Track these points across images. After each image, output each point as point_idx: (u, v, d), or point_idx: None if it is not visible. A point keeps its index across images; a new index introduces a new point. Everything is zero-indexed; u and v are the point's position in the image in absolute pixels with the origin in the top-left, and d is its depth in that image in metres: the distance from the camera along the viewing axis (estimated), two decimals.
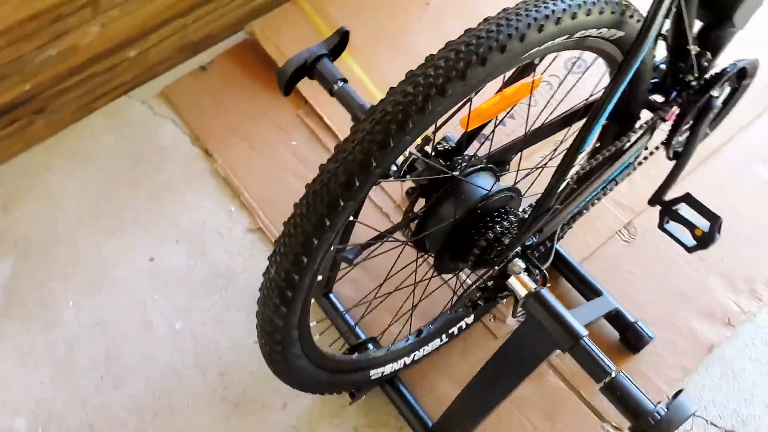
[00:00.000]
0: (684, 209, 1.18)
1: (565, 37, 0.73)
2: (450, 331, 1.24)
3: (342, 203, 0.67)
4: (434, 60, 0.67)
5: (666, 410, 0.74)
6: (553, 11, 0.70)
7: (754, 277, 1.32)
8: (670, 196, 1.19)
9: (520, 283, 0.86)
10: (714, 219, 1.14)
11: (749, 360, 1.26)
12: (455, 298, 1.20)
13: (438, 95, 0.66)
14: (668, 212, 1.19)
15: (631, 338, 1.24)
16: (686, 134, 1.14)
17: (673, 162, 1.18)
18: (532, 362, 0.87)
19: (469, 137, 0.99)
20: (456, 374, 1.25)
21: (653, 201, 1.21)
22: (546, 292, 0.84)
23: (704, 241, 1.16)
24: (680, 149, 1.17)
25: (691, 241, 1.17)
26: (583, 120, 0.84)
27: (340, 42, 1.05)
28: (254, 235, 1.43)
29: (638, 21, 0.83)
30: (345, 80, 1.03)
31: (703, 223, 1.16)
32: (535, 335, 0.84)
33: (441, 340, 1.23)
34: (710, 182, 1.44)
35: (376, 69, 1.61)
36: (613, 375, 0.78)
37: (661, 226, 1.20)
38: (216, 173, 1.50)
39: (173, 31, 1.56)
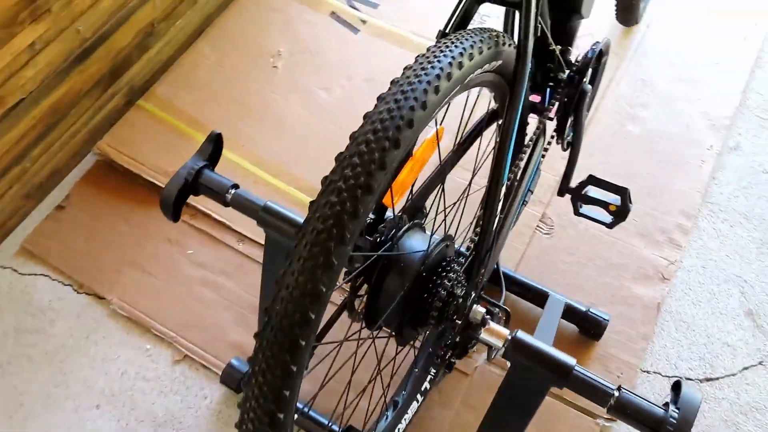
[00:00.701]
0: (592, 190, 1.22)
1: (457, 87, 0.71)
2: (423, 389, 1.19)
3: (304, 343, 0.59)
4: (348, 159, 0.62)
5: (678, 410, 0.74)
6: (441, 68, 0.67)
7: (666, 227, 1.39)
8: (574, 182, 1.23)
9: (493, 334, 0.83)
10: (622, 192, 1.19)
11: (692, 305, 1.32)
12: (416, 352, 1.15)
13: (366, 194, 0.60)
14: (579, 198, 1.22)
15: (589, 328, 1.25)
16: (570, 120, 1.18)
17: (568, 151, 1.22)
18: (530, 406, 0.84)
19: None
20: (445, 427, 1.20)
21: (562, 192, 1.24)
22: (522, 335, 0.81)
23: (620, 214, 1.20)
24: (570, 138, 1.20)
25: (608, 218, 1.21)
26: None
27: (215, 147, 0.97)
28: (182, 364, 1.29)
29: (509, 45, 0.83)
30: (236, 186, 0.95)
31: (613, 198, 1.20)
32: (526, 380, 0.81)
33: (417, 402, 1.17)
34: (596, 153, 1.50)
35: (249, 148, 1.52)
36: (616, 394, 0.76)
37: (577, 213, 1.23)
38: (116, 314, 1.34)
39: (12, 180, 1.38)
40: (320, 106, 1.59)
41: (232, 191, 0.94)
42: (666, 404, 0.76)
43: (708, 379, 1.24)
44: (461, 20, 0.81)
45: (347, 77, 1.63)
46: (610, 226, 1.21)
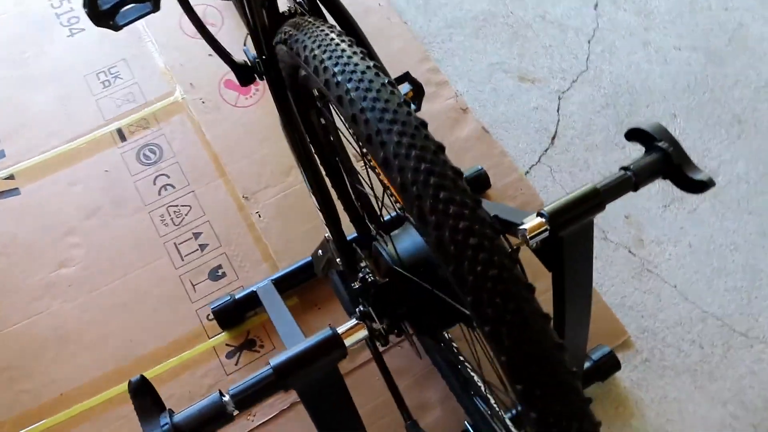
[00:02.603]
0: None
1: None
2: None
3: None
4: (443, 203, 0.56)
5: (659, 140, 0.85)
6: (381, 73, 0.65)
7: (425, 79, 1.50)
8: None
9: (534, 226, 0.82)
10: (405, 77, 1.23)
11: (494, 107, 1.49)
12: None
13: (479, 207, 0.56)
14: None
15: (478, 185, 1.34)
16: None
17: None
18: (590, 251, 0.89)
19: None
20: None
21: None
22: (550, 207, 0.82)
23: (417, 93, 1.26)
24: None
25: (413, 105, 1.26)
26: None
27: (150, 393, 0.73)
28: None
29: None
30: (221, 393, 0.73)
31: (404, 87, 1.25)
32: (577, 233, 0.85)
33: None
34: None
35: (64, 391, 1.15)
36: (629, 174, 0.84)
37: None
38: None
39: None
40: (74, 284, 1.26)
41: (227, 398, 0.72)
42: (650, 146, 0.87)
43: (553, 138, 1.45)
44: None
45: (67, 232, 1.31)
46: (418, 109, 1.26)
